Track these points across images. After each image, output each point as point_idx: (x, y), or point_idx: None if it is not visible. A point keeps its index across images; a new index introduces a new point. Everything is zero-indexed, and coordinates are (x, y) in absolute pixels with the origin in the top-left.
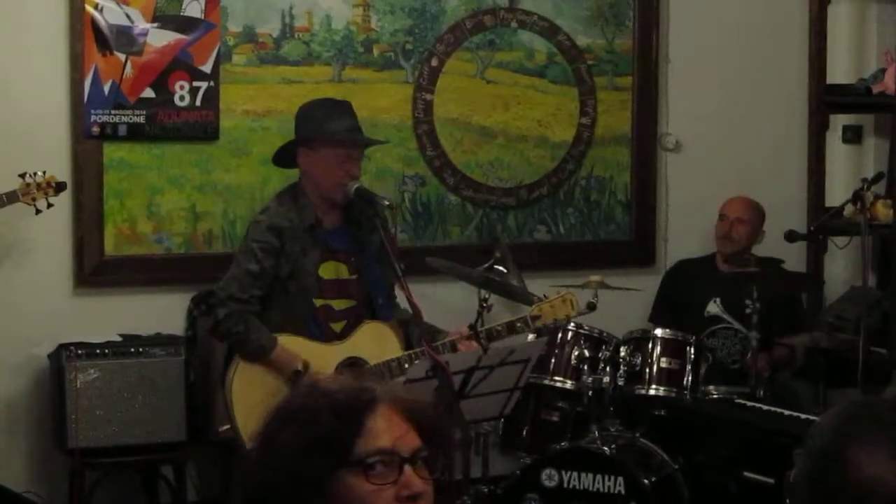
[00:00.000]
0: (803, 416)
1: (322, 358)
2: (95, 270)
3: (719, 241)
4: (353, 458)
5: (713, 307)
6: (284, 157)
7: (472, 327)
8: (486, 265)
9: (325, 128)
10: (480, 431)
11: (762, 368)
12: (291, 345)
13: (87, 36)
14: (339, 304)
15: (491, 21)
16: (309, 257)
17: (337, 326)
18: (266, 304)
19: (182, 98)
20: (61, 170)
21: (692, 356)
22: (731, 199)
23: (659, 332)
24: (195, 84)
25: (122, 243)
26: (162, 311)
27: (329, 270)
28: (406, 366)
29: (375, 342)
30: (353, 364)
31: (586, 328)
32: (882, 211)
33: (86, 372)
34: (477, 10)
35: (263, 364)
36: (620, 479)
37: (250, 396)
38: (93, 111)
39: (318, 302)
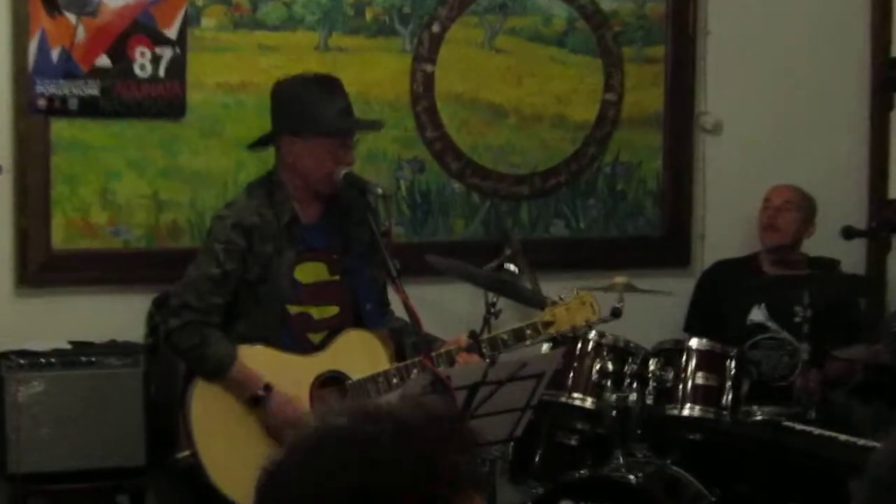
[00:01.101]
0: (861, 441)
1: (295, 372)
2: (41, 267)
3: (763, 232)
4: None
5: (757, 314)
6: (259, 140)
7: (472, 335)
8: (495, 264)
9: (314, 113)
10: (486, 457)
11: (813, 386)
12: (257, 357)
13: None
14: (319, 312)
15: None
16: (283, 258)
17: (316, 338)
18: (231, 313)
19: (143, 67)
20: (1, 150)
21: (733, 371)
22: (778, 185)
23: (694, 342)
24: (158, 51)
25: (73, 236)
26: (119, 315)
27: (307, 272)
28: (395, 381)
29: (359, 353)
30: (332, 379)
31: (610, 338)
32: None
33: (29, 384)
34: None
35: (222, 385)
36: None
37: (212, 420)
38: (38, 82)
39: (294, 309)
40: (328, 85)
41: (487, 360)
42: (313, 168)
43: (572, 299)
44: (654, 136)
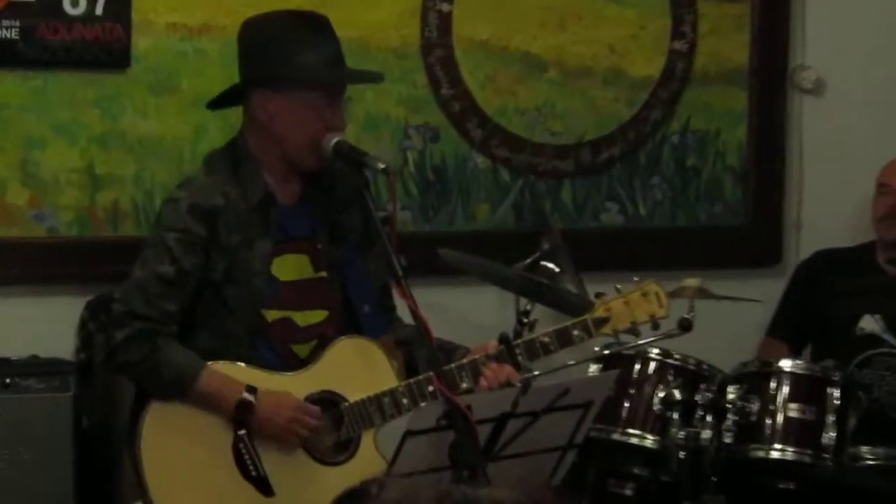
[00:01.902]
0: None
1: None
2: None
3: (879, 224)
4: None
5: (869, 323)
6: (224, 96)
7: (504, 340)
8: (529, 261)
9: (294, 61)
10: None
11: None
12: (228, 373)
13: None
14: (303, 318)
15: None
16: (256, 249)
17: (302, 350)
18: (190, 321)
19: (75, 3)
20: None
21: (836, 401)
22: None
23: (786, 364)
24: None
25: None
26: (42, 324)
27: (287, 268)
28: (404, 402)
29: (357, 368)
30: (324, 401)
31: (677, 357)
32: None
33: None
34: None
35: (189, 402)
36: None
37: (172, 456)
38: None
39: (273, 315)
40: (313, 24)
41: (519, 384)
42: (292, 132)
43: (633, 290)
44: (737, 97)
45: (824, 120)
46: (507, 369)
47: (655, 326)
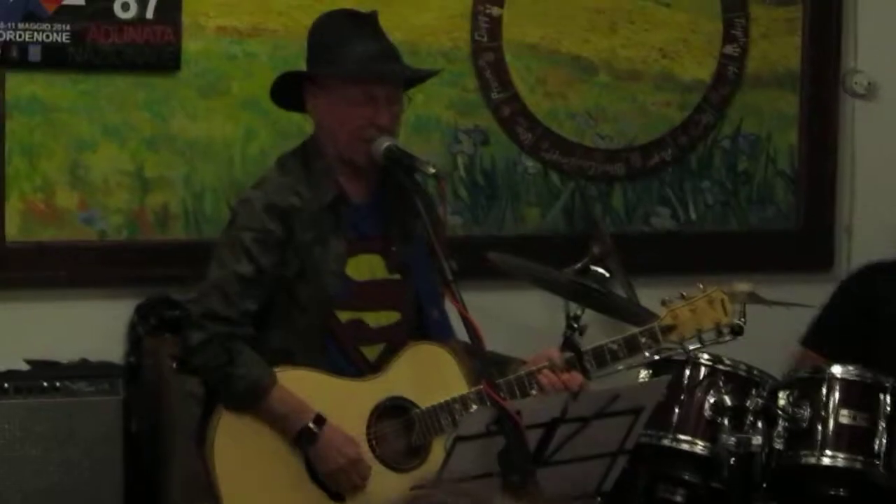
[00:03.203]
0: None
1: (349, 400)
2: None
3: None
4: None
5: None
6: (292, 96)
7: (569, 345)
8: (579, 265)
9: (334, 55)
10: None
11: None
12: (300, 383)
13: None
14: (375, 319)
15: None
16: (330, 248)
17: (370, 352)
18: (262, 321)
19: (125, 6)
20: None
21: (888, 407)
22: None
23: (838, 370)
24: None
25: (33, 224)
26: (91, 327)
27: (361, 268)
28: (475, 408)
29: (430, 374)
30: (394, 407)
31: (728, 363)
32: None
33: None
34: None
35: (257, 415)
36: None
37: (243, 458)
38: None
39: (344, 315)
40: (359, 21)
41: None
42: (336, 128)
43: (699, 297)
44: (788, 100)
45: (876, 124)
46: (565, 377)
47: (719, 334)
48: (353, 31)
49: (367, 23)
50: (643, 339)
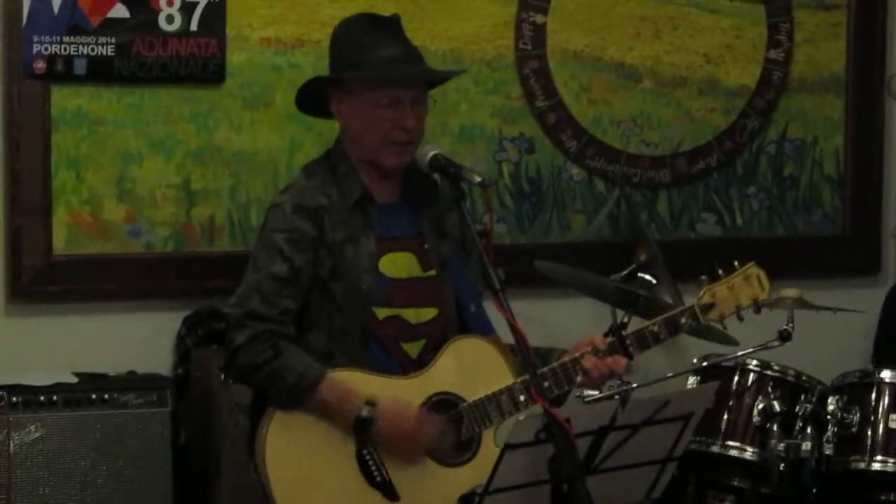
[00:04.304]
0: None
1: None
2: (38, 277)
3: None
4: None
5: None
6: (319, 103)
7: (615, 330)
8: (625, 272)
9: (360, 59)
10: None
11: None
12: (348, 382)
13: None
14: (414, 315)
15: None
16: (361, 247)
17: (412, 348)
18: (301, 324)
19: (170, 19)
20: None
21: None
22: None
23: (887, 375)
24: None
25: (80, 237)
26: (139, 339)
27: (396, 266)
28: (522, 399)
29: (476, 368)
30: (442, 403)
31: (777, 368)
32: None
33: (24, 429)
34: None
35: (309, 411)
36: None
37: (296, 464)
38: (36, 38)
39: (383, 312)
40: (382, 24)
41: (618, 397)
42: (362, 132)
43: (736, 275)
44: (833, 105)
45: None
46: (609, 360)
47: (757, 310)
48: (376, 34)
49: (389, 26)
50: (683, 319)
